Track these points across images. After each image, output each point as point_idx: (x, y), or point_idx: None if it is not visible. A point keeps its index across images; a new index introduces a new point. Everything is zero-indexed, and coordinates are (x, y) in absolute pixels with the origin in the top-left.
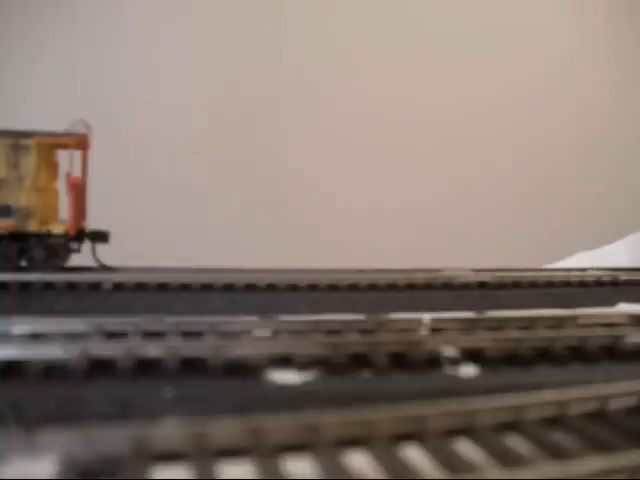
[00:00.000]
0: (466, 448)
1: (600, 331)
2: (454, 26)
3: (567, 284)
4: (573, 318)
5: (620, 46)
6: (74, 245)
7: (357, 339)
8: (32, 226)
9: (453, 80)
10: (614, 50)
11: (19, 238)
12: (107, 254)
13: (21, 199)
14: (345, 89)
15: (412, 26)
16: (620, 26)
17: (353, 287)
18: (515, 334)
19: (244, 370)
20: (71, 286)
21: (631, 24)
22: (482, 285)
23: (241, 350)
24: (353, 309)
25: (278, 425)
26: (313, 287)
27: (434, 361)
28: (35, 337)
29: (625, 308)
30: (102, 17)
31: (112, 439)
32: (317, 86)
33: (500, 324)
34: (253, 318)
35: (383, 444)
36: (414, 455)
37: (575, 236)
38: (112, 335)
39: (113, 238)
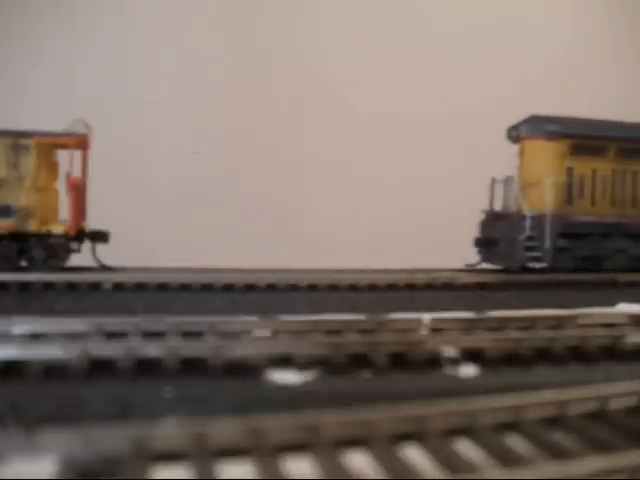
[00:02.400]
0: (466, 448)
1: (600, 331)
2: (451, 22)
3: (567, 284)
4: (573, 318)
5: (618, 45)
6: (74, 245)
7: (357, 339)
8: (32, 226)
9: (450, 76)
10: (613, 49)
11: (19, 238)
12: (107, 254)
13: (21, 199)
14: (346, 89)
15: (411, 23)
16: (618, 24)
17: (353, 287)
18: (515, 334)
19: (244, 370)
20: (71, 286)
21: (629, 22)
22: (482, 285)
23: (241, 350)
24: (353, 309)
25: (278, 425)
26: (313, 287)
27: (434, 361)
28: (35, 337)
29: (625, 308)
30: (102, 17)
31: (112, 439)
32: (318, 86)
33: (500, 324)
34: (253, 318)
35: (383, 444)
36: (414, 455)
37: None
38: (112, 335)
39: (113, 238)
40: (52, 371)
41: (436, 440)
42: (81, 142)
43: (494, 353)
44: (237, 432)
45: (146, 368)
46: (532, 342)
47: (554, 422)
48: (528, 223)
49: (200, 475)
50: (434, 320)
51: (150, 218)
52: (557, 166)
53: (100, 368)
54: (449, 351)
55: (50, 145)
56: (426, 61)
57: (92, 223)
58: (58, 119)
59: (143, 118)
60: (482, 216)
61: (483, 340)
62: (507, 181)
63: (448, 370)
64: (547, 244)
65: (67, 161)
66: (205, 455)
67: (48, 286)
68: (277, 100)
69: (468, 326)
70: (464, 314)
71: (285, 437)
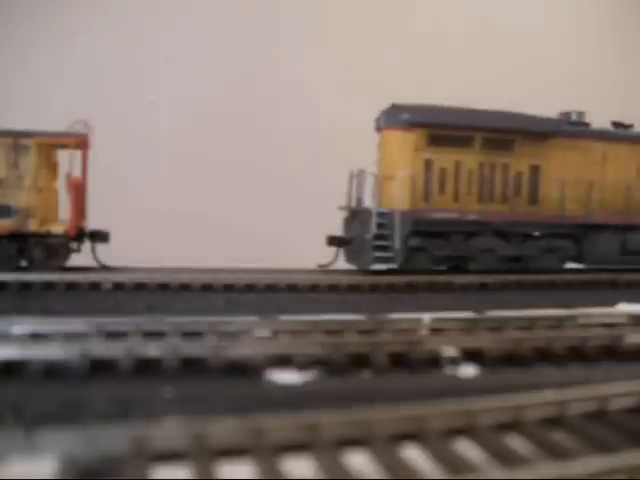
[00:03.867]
0: (466, 448)
1: (600, 331)
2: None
3: (567, 284)
4: (573, 318)
5: (628, 46)
6: (74, 245)
7: (357, 339)
8: (32, 226)
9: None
10: (622, 53)
11: (19, 238)
12: (107, 254)
13: (21, 199)
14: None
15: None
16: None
17: (353, 288)
18: (515, 334)
19: (244, 370)
20: (71, 286)
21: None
22: (482, 286)
23: (241, 350)
24: (353, 309)
25: (278, 425)
26: (313, 287)
27: (434, 361)
28: (35, 337)
29: (625, 308)
30: (103, 17)
31: (112, 439)
32: (317, 87)
33: (500, 324)
34: (253, 318)
35: (383, 444)
36: (414, 455)
37: None
38: (112, 335)
39: (113, 238)
40: (52, 371)
41: (436, 440)
42: (81, 142)
43: (494, 353)
44: (237, 432)
45: (146, 368)
46: (532, 342)
47: (554, 422)
48: (375, 220)
49: (200, 475)
50: (434, 320)
51: (150, 218)
52: (414, 158)
53: (100, 368)
54: (449, 351)
55: (50, 145)
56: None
57: (92, 223)
58: (58, 119)
59: (143, 118)
60: (344, 213)
61: (483, 340)
62: (360, 175)
63: (448, 370)
64: (396, 243)
65: (67, 161)
66: (205, 455)
67: (48, 286)
68: (277, 101)
69: (468, 326)
70: (464, 314)
71: (285, 437)
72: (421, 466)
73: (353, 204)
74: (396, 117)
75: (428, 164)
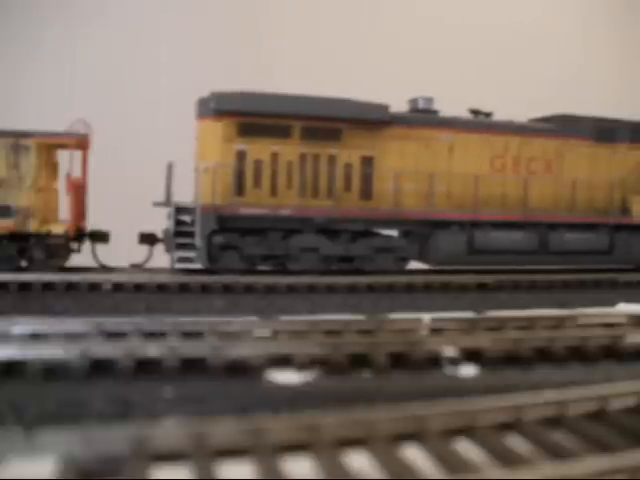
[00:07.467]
0: (466, 448)
1: (600, 331)
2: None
3: (567, 284)
4: (573, 318)
5: (622, 43)
6: (74, 245)
7: (357, 339)
8: (32, 226)
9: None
10: (617, 51)
11: (19, 238)
12: (107, 254)
13: (21, 199)
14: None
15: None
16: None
17: (352, 288)
18: (515, 334)
19: (244, 370)
20: (71, 286)
21: (633, 20)
22: (481, 286)
23: (241, 350)
24: (353, 310)
25: (278, 425)
26: (312, 288)
27: (434, 361)
28: (35, 337)
29: (625, 308)
30: (103, 17)
31: (112, 439)
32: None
33: (500, 324)
34: (253, 318)
35: (383, 444)
36: (414, 455)
37: None
38: (112, 335)
39: (113, 238)
40: (52, 371)
41: (436, 440)
42: (81, 142)
43: (494, 353)
44: (237, 432)
45: (146, 368)
46: (532, 342)
47: (554, 422)
48: (174, 216)
49: (200, 475)
50: (434, 320)
51: (150, 218)
52: (223, 149)
53: (100, 368)
54: (449, 351)
55: (50, 145)
56: None
57: (92, 223)
58: (58, 119)
59: (143, 118)
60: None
61: (483, 340)
62: (169, 167)
63: (448, 370)
64: (198, 241)
65: (67, 161)
66: (205, 455)
67: (48, 286)
68: None
69: (468, 326)
70: (464, 314)
71: (285, 437)
72: (421, 466)
73: (167, 199)
74: (206, 106)
75: (240, 156)
